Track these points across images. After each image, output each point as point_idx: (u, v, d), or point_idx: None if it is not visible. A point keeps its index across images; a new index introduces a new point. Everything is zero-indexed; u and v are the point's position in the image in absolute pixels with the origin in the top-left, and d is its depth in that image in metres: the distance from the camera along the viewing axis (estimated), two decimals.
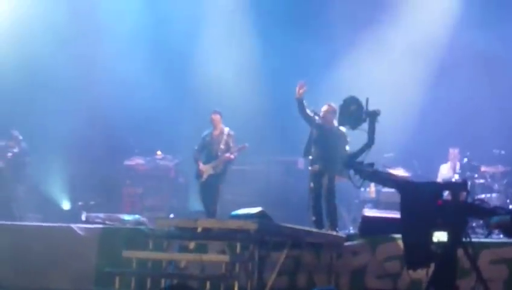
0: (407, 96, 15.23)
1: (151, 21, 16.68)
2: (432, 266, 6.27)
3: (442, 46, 15.68)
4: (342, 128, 10.85)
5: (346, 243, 10.38)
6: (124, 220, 12.72)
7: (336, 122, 11.05)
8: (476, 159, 13.75)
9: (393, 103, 13.32)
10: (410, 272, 6.40)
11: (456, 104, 15.05)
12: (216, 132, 13.10)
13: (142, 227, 11.31)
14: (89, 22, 16.52)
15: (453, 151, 14.34)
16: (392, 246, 9.91)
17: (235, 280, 8.18)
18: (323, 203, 11.28)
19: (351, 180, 6.89)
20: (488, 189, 13.57)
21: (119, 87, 16.38)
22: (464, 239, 6.31)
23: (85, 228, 11.36)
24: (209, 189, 12.96)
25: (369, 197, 14.38)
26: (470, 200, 6.61)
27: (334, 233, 10.70)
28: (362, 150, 6.83)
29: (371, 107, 6.83)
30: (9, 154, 14.96)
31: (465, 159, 13.85)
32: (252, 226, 8.28)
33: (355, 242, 10.38)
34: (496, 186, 13.65)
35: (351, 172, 6.82)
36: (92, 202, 14.89)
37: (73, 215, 14.56)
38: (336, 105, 10.78)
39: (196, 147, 13.19)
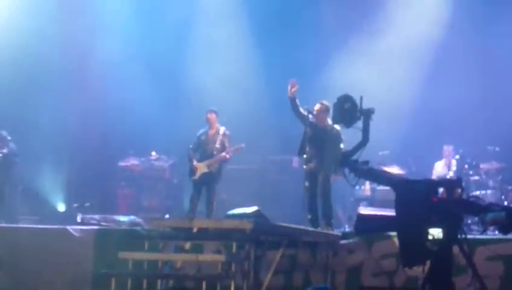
0: (401, 94, 15.25)
1: (146, 22, 16.64)
2: (428, 263, 6.28)
3: (434, 44, 15.72)
4: (336, 127, 10.84)
5: (342, 242, 10.40)
6: (119, 221, 12.66)
7: (329, 121, 11.04)
8: (470, 156, 13.75)
9: (387, 101, 13.35)
10: (406, 269, 6.41)
11: (449, 102, 15.05)
12: (212, 131, 13.05)
13: (137, 228, 11.26)
14: (83, 21, 16.47)
15: (448, 149, 14.33)
16: (388, 243, 9.94)
17: (231, 280, 8.18)
18: (318, 201, 11.26)
19: (346, 179, 6.91)
20: (483, 186, 13.55)
21: (113, 88, 16.35)
22: (459, 236, 6.33)
23: (80, 229, 11.34)
24: (201, 188, 12.91)
25: (364, 195, 14.36)
26: (464, 197, 6.63)
27: (330, 231, 10.71)
28: (357, 148, 6.84)
29: (365, 105, 6.84)
30: None
31: (457, 156, 13.84)
32: (247, 225, 8.27)
33: (350, 240, 10.40)
34: (491, 182, 13.62)
35: (346, 170, 6.83)
36: (87, 204, 14.81)
37: (68, 217, 14.50)
38: (328, 103, 10.81)
39: (191, 146, 13.12)
